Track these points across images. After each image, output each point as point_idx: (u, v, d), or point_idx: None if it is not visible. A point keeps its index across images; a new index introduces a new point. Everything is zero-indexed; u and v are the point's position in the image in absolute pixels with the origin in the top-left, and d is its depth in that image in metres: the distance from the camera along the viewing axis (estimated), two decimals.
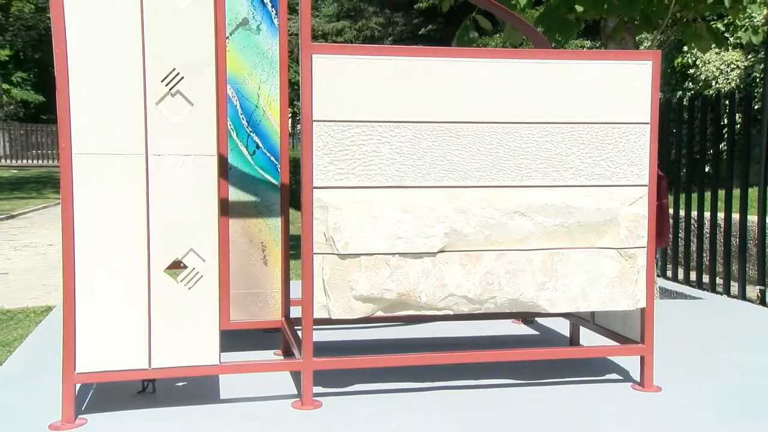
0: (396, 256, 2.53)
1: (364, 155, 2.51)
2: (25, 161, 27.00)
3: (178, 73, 2.37)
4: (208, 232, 2.42)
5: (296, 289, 2.84)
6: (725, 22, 10.76)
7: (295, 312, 2.92)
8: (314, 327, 2.52)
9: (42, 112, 32.58)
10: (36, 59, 33.56)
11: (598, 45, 13.56)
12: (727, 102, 5.75)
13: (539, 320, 3.80)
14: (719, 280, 5.36)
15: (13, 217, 14.34)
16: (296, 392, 2.65)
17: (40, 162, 26.86)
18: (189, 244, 2.41)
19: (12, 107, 30.36)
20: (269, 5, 3.08)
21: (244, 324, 3.15)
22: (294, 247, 3.20)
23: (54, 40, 2.29)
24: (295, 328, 2.91)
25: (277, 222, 3.15)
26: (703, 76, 11.55)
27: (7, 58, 33.04)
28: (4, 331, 5.16)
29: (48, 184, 21.03)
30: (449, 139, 2.56)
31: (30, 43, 33.28)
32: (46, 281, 7.56)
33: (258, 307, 3.16)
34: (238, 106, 3.08)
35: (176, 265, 2.41)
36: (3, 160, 26.88)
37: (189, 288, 2.42)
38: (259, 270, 3.15)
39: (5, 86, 31.82)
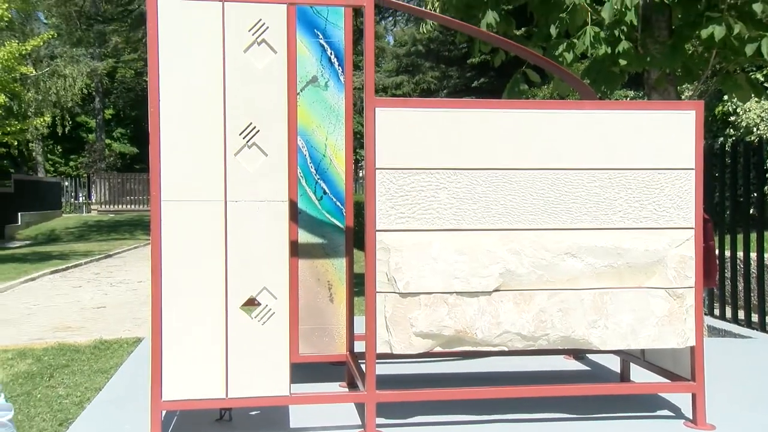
0: (453, 294, 2.48)
1: (424, 200, 2.49)
2: (120, 206, 28.08)
3: (254, 127, 2.41)
4: (280, 272, 2.43)
5: (360, 325, 2.80)
6: (765, 72, 10.42)
7: (359, 346, 2.88)
8: (377, 361, 2.48)
9: (135, 162, 33.99)
10: (133, 116, 35.20)
11: (641, 95, 13.32)
12: None
13: (590, 356, 3.65)
14: None
15: (110, 256, 14.86)
16: (360, 423, 2.60)
17: (132, 207, 27.90)
18: (262, 283, 2.42)
19: (112, 159, 31.80)
20: (336, 64, 3.13)
21: (312, 357, 3.13)
22: (358, 285, 3.19)
23: (149, 100, 2.37)
24: (359, 361, 2.87)
25: (342, 262, 3.14)
26: (744, 123, 11.16)
27: (110, 117, 34.77)
28: (102, 359, 5.31)
29: (139, 227, 21.76)
30: (503, 185, 2.52)
31: (129, 103, 35.00)
32: (137, 314, 7.75)
33: (324, 342, 3.13)
34: (307, 155, 3.12)
35: (251, 303, 2.42)
36: (102, 206, 28.04)
37: (262, 324, 2.42)
38: (326, 307, 3.13)
39: (107, 141, 33.40)
